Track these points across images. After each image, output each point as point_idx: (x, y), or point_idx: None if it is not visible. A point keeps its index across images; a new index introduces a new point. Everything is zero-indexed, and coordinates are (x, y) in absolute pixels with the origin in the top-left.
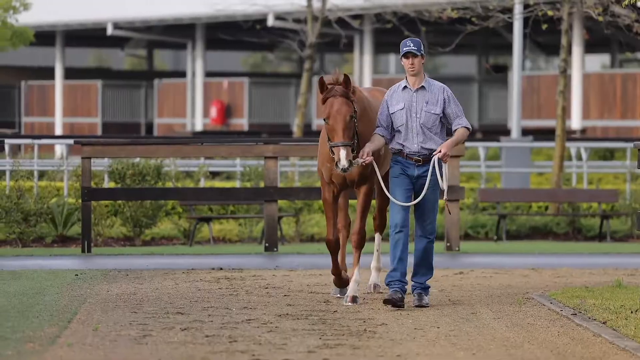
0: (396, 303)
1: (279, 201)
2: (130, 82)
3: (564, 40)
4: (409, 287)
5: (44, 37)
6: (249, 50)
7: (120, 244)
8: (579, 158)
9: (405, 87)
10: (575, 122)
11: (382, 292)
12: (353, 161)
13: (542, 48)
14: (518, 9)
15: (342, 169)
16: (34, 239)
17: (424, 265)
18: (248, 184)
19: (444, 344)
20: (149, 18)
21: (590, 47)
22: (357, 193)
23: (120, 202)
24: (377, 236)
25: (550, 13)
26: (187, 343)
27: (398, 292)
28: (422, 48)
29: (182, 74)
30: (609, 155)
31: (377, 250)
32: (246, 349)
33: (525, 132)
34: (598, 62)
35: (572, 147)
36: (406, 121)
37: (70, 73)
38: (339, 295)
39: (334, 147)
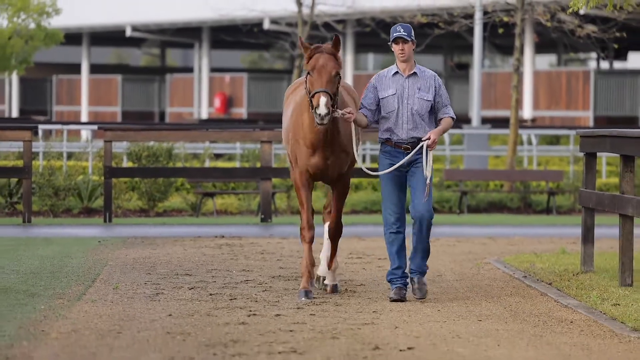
0: (402, 300)
1: (273, 179)
2: (146, 76)
3: (517, 42)
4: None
5: (72, 37)
6: (248, 50)
7: (136, 215)
8: (530, 143)
9: (396, 72)
10: (527, 112)
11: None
12: (333, 112)
13: (499, 49)
14: (478, 16)
15: (320, 115)
16: (63, 210)
17: (421, 249)
18: (246, 164)
19: (414, 301)
20: (162, 22)
21: (540, 48)
22: (333, 188)
23: (137, 179)
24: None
25: (505, 19)
26: (194, 300)
27: (402, 289)
28: (412, 34)
29: (190, 70)
30: (555, 140)
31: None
32: (244, 306)
33: (484, 120)
34: (546, 61)
35: (524, 134)
36: (397, 107)
37: (95, 68)
38: (303, 298)
39: (314, 94)
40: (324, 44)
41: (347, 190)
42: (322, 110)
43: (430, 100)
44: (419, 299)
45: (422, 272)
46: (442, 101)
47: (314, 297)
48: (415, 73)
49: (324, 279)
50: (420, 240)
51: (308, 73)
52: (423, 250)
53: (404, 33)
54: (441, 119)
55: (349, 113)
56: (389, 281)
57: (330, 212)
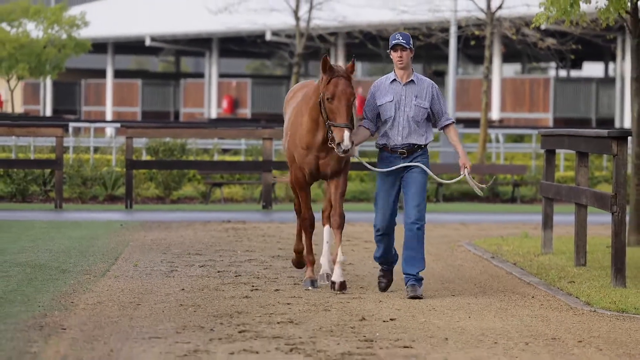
0: (387, 286)
1: (273, 171)
2: (163, 81)
3: (486, 53)
4: (399, 274)
5: (99, 46)
6: (252, 58)
7: (154, 202)
8: (497, 141)
9: (394, 80)
10: (495, 114)
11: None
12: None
13: (471, 58)
14: (453, 29)
15: (344, 150)
16: (90, 197)
17: (416, 256)
18: (250, 158)
19: (396, 278)
20: (177, 33)
21: (506, 58)
22: (331, 183)
23: (154, 170)
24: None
25: (476, 32)
26: (204, 276)
27: (388, 274)
28: (410, 42)
29: (201, 75)
30: (519, 139)
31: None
32: (248, 281)
33: (458, 121)
34: (512, 69)
35: (492, 133)
36: (394, 114)
37: (118, 74)
38: (310, 287)
39: (336, 127)
40: (339, 66)
41: (345, 186)
42: (347, 145)
43: (426, 108)
44: (411, 297)
45: (418, 279)
46: (441, 108)
47: (319, 286)
48: (412, 81)
49: (327, 276)
50: (415, 246)
51: (327, 99)
52: (418, 258)
53: (402, 41)
54: (445, 126)
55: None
56: (379, 263)
57: (328, 215)
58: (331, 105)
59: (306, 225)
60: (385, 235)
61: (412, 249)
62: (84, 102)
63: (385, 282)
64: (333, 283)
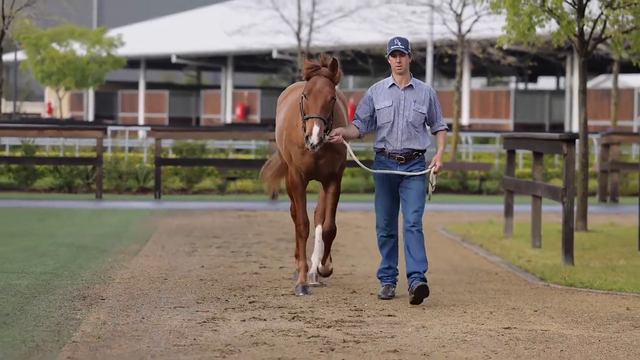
0: (390, 298)
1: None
2: (186, 92)
3: (458, 69)
4: (404, 280)
5: (133, 63)
6: (261, 73)
7: (178, 193)
8: (467, 142)
9: (392, 84)
10: (465, 120)
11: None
12: (323, 139)
13: (444, 73)
14: (429, 49)
15: (311, 144)
16: (125, 189)
17: (418, 259)
18: (259, 157)
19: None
20: (198, 52)
21: (475, 73)
22: (325, 190)
23: (179, 166)
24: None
25: (449, 52)
26: (220, 256)
27: (391, 287)
28: (408, 47)
29: (219, 87)
30: (485, 141)
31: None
32: (257, 260)
33: None
34: (479, 82)
35: (463, 136)
36: (393, 119)
37: (149, 85)
38: (301, 294)
39: (307, 119)
40: (322, 67)
41: (339, 190)
42: (314, 139)
43: (424, 113)
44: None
45: (423, 277)
46: (437, 113)
47: (311, 292)
48: (411, 85)
49: (316, 276)
50: (417, 251)
51: (304, 95)
52: (421, 260)
53: (401, 46)
54: (436, 132)
55: (336, 135)
56: (379, 278)
57: (321, 213)
58: (307, 101)
59: (300, 230)
60: (389, 237)
61: (415, 251)
62: (120, 109)
63: (391, 295)
64: (311, 274)
